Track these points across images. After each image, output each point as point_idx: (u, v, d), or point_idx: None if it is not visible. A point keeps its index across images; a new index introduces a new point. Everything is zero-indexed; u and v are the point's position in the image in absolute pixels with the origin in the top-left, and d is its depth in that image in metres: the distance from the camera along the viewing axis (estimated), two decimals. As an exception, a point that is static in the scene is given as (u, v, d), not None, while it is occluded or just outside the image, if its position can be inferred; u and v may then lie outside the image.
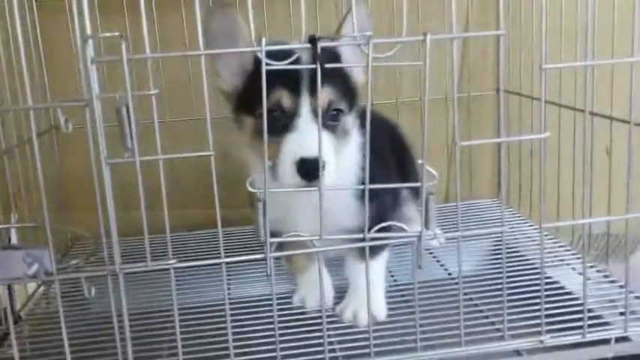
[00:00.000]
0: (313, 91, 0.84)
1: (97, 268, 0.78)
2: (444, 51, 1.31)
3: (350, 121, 0.92)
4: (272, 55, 0.72)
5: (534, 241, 1.32)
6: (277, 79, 0.80)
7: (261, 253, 0.80)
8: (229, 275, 1.26)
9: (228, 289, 1.23)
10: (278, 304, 1.10)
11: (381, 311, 1.05)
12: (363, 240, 0.82)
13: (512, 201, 1.53)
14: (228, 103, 0.97)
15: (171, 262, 0.77)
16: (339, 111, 0.90)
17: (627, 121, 0.93)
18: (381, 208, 0.99)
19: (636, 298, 1.05)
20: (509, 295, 0.91)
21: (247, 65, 0.92)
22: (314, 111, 0.84)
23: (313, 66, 0.73)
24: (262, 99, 0.73)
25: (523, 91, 1.44)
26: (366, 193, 0.80)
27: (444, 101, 1.50)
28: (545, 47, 0.80)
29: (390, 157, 1.11)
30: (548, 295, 1.00)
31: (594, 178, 0.91)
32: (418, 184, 0.79)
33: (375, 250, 1.03)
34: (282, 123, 0.86)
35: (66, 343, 0.80)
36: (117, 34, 0.67)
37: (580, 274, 1.13)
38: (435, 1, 1.46)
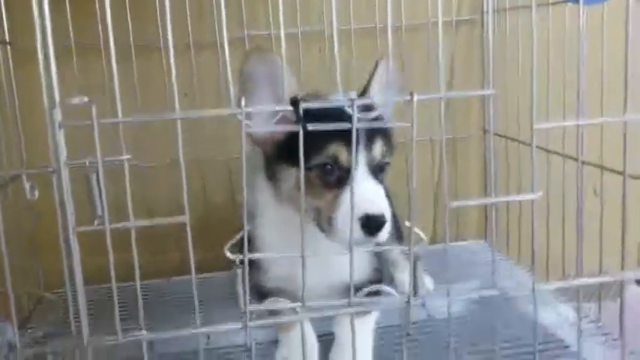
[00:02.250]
0: (367, 145, 0.87)
1: (64, 342, 0.73)
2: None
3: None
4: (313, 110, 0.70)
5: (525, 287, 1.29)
6: (332, 131, 0.72)
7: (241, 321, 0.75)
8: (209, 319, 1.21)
9: (207, 338, 1.18)
10: (259, 354, 1.05)
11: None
12: (348, 306, 0.77)
13: (500, 242, 1.50)
14: (260, 148, 0.94)
15: (143, 333, 0.72)
16: (387, 164, 0.90)
17: (620, 172, 0.90)
18: (381, 261, 1.01)
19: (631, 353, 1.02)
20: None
21: (290, 113, 0.76)
22: (369, 164, 0.87)
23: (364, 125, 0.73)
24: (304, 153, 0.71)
25: (509, 132, 1.42)
26: (351, 256, 0.76)
27: (430, 141, 1.48)
28: (536, 107, 0.77)
29: None
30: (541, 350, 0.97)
31: (584, 221, 0.89)
32: (405, 248, 0.76)
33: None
34: (335, 177, 0.86)
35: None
36: (86, 100, 0.63)
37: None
38: (419, 51, 1.45)
